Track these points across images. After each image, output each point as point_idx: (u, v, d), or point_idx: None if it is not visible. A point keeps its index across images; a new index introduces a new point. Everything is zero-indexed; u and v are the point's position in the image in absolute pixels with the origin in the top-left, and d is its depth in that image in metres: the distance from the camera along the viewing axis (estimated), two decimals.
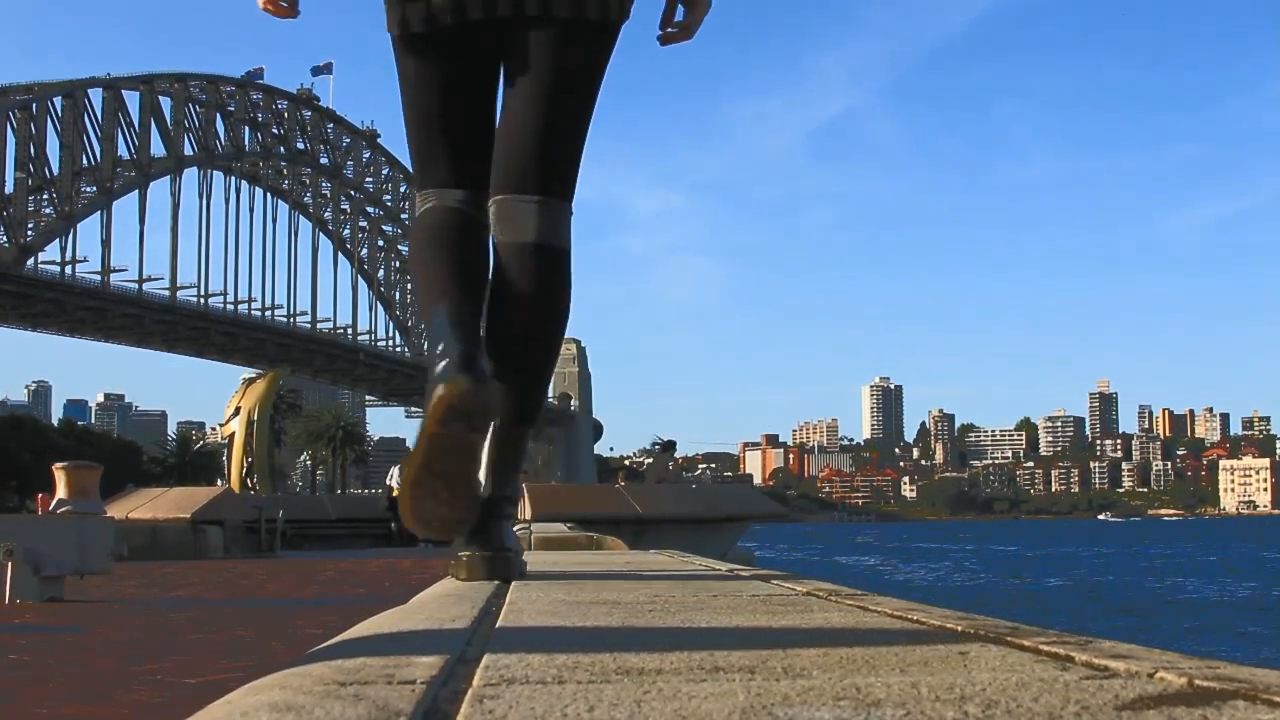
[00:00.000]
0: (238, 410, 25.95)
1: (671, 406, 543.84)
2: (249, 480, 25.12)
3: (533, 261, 2.31)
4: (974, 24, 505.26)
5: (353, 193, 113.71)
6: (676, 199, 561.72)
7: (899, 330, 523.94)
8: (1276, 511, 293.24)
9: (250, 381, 27.94)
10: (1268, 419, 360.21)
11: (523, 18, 2.25)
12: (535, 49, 2.29)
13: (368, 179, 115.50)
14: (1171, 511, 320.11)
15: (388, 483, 21.98)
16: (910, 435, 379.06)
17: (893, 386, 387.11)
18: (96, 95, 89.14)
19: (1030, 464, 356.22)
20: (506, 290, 2.34)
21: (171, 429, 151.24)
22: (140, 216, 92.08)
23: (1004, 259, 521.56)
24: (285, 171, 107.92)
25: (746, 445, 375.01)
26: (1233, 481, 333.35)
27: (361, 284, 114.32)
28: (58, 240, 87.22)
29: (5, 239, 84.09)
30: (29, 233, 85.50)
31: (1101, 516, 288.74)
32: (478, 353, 2.11)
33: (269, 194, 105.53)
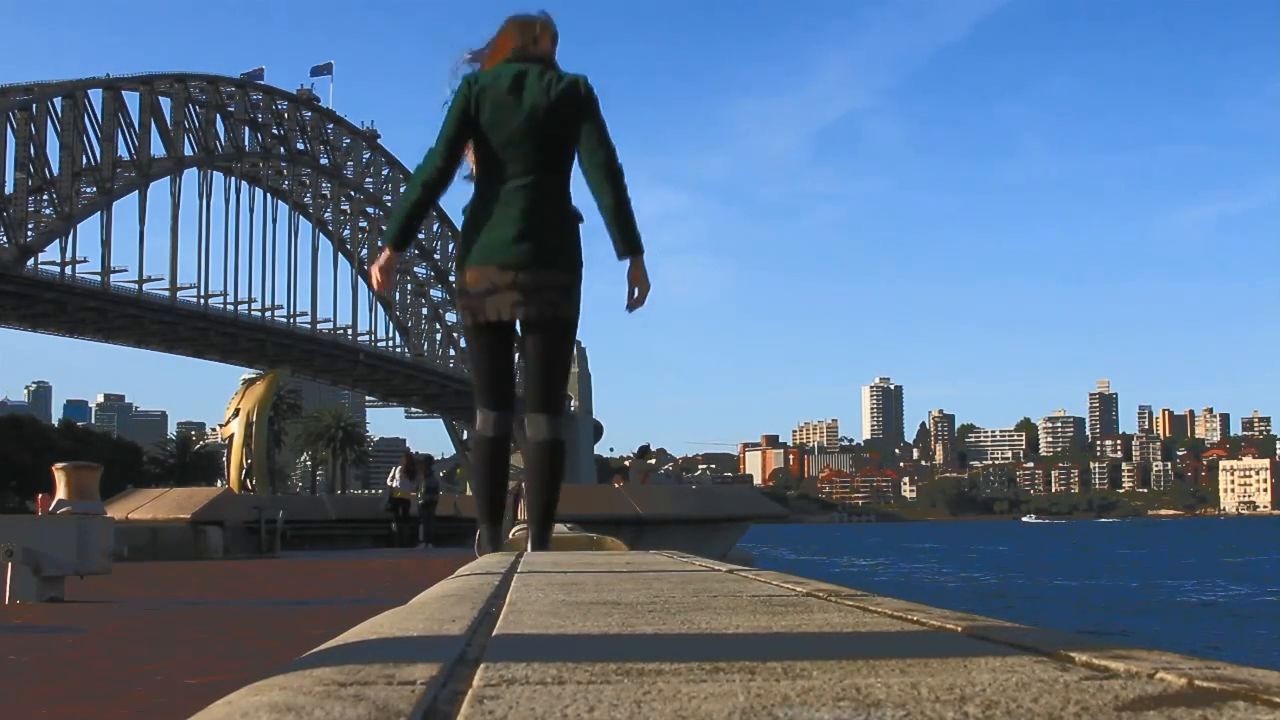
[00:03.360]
0: (237, 412, 25.96)
1: (672, 407, 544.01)
2: (248, 481, 25.12)
3: (546, 450, 4.42)
4: (976, 25, 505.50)
5: (353, 193, 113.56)
6: (678, 199, 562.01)
7: (899, 330, 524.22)
8: (1276, 512, 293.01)
9: (250, 383, 27.96)
10: (1268, 419, 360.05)
11: (538, 320, 4.23)
12: (541, 335, 4.28)
13: (368, 179, 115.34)
14: (1171, 512, 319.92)
15: (389, 483, 21.95)
16: (910, 435, 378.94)
17: (893, 386, 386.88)
18: (96, 95, 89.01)
19: (1030, 464, 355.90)
20: (535, 465, 4.46)
21: (171, 429, 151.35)
22: (140, 217, 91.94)
23: (1004, 259, 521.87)
24: (285, 172, 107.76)
25: (746, 446, 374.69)
26: (1233, 482, 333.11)
27: (361, 284, 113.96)
28: (58, 241, 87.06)
29: (5, 239, 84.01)
30: (29, 233, 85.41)
31: (1026, 519, 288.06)
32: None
33: (269, 194, 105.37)
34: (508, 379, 4.41)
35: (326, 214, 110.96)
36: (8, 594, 6.18)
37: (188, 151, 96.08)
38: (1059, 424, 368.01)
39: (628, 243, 4.23)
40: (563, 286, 4.21)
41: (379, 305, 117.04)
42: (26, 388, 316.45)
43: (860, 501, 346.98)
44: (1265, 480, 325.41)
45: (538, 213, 4.19)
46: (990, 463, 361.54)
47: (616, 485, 27.80)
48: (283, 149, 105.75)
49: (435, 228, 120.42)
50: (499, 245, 4.16)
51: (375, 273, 4.42)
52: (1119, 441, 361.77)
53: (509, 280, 4.16)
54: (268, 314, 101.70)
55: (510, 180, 4.21)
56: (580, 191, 4.33)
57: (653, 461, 34.05)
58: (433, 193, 4.31)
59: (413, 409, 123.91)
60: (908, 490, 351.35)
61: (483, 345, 4.32)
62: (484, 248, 4.18)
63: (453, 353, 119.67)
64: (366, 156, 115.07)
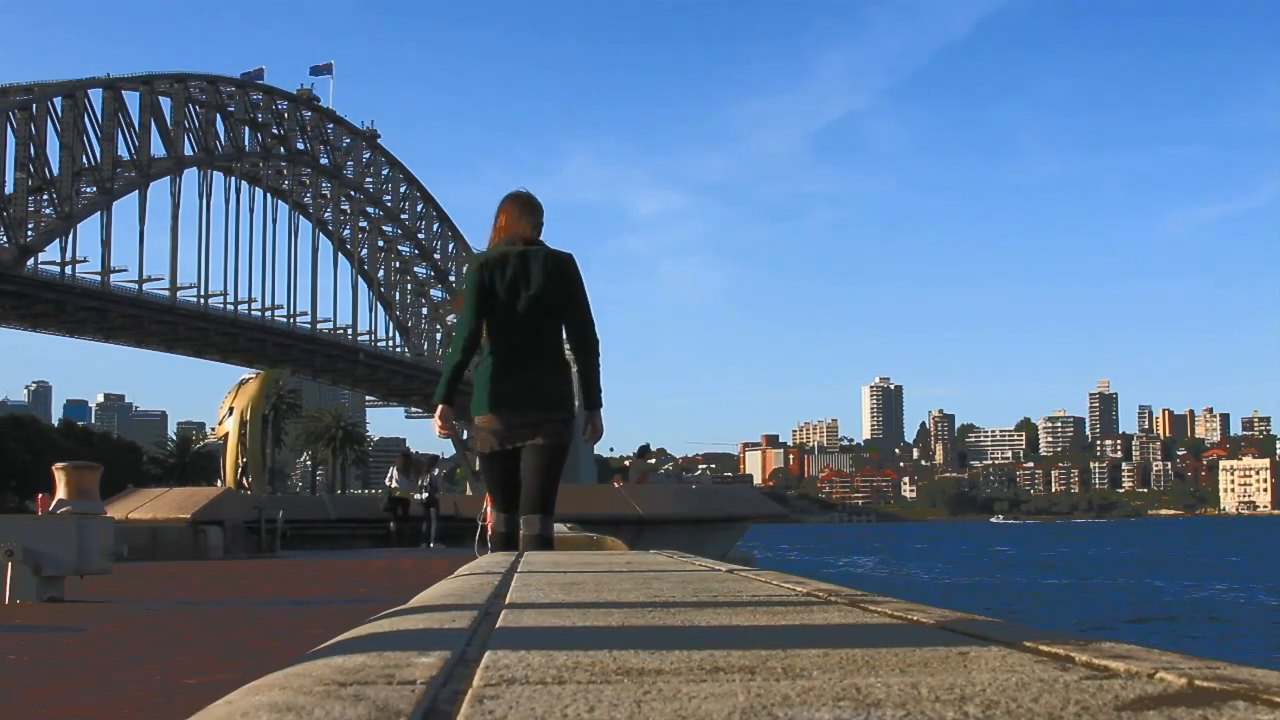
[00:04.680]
0: (231, 410, 25.95)
1: (672, 407, 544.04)
2: (243, 480, 25.11)
3: (538, 543, 5.39)
4: (977, 25, 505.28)
5: (353, 193, 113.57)
6: (678, 199, 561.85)
7: (899, 330, 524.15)
8: (1276, 512, 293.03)
9: (245, 382, 27.94)
10: (1268, 419, 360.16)
11: (544, 443, 5.42)
12: (544, 454, 5.41)
13: (368, 179, 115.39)
14: (1171, 512, 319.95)
15: (387, 483, 21.95)
16: (910, 435, 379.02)
17: (893, 386, 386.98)
18: (96, 95, 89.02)
19: (1030, 464, 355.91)
20: (528, 551, 5.32)
21: (171, 429, 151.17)
22: (140, 217, 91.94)
23: (1004, 259, 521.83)
24: (285, 172, 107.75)
25: (746, 445, 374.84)
26: (1233, 482, 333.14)
27: (361, 284, 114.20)
28: (58, 240, 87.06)
29: (5, 239, 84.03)
30: (29, 233, 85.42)
31: (994, 519, 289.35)
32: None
33: (269, 194, 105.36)
34: (515, 491, 5.54)
35: (326, 214, 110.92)
36: (8, 594, 6.19)
37: (188, 151, 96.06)
38: (1059, 424, 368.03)
39: (592, 402, 5.62)
40: (563, 419, 5.46)
41: (379, 305, 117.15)
42: (26, 388, 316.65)
43: (860, 501, 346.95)
44: (1265, 480, 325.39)
45: (541, 368, 5.41)
46: (990, 463, 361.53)
47: (616, 485, 27.80)
48: (283, 149, 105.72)
49: (436, 228, 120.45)
50: (513, 395, 5.38)
51: (435, 423, 5.51)
52: (1119, 441, 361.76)
53: (522, 420, 5.39)
54: (268, 314, 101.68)
55: (517, 343, 5.40)
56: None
57: (653, 461, 34.01)
58: (469, 354, 5.42)
59: (413, 409, 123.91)
60: (908, 490, 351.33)
61: (497, 469, 5.57)
62: (501, 396, 5.39)
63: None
64: (366, 156, 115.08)
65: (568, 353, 5.49)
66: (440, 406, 5.54)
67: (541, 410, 5.37)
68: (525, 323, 5.34)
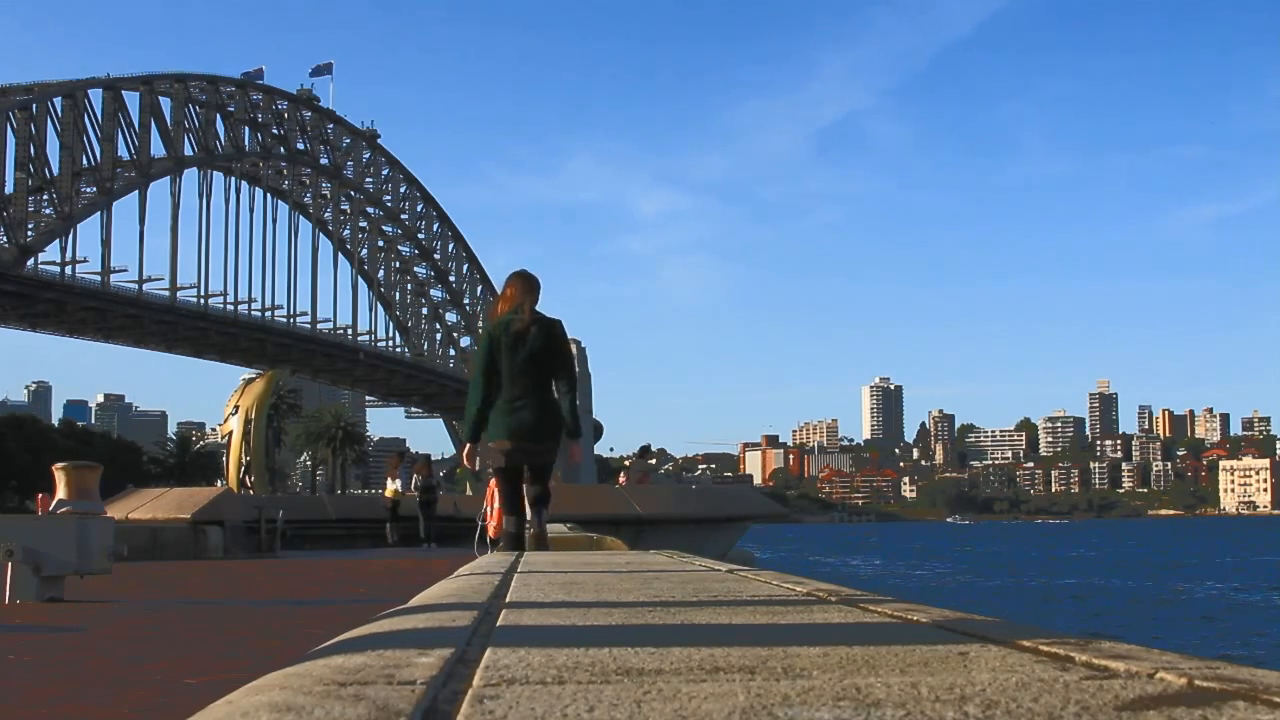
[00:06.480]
0: (236, 409, 25.95)
1: (672, 407, 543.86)
2: (246, 479, 25.12)
3: (536, 537, 7.39)
4: (979, 25, 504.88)
5: (353, 193, 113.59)
6: (679, 199, 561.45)
7: (899, 330, 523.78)
8: (1276, 512, 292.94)
9: (249, 381, 27.95)
10: (1268, 419, 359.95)
11: (539, 465, 7.56)
12: (539, 471, 7.50)
13: (368, 179, 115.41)
14: (1171, 512, 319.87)
15: (387, 483, 21.94)
16: (910, 435, 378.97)
17: (893, 386, 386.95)
18: (96, 95, 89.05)
19: (1030, 464, 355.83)
20: (531, 546, 7.41)
21: (171, 429, 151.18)
22: (140, 217, 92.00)
23: (1005, 259, 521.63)
24: (285, 172, 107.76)
25: (746, 445, 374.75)
26: (1233, 482, 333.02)
27: (361, 284, 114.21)
28: (58, 240, 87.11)
29: (5, 239, 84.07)
30: (29, 233, 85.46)
31: (950, 519, 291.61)
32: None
33: (269, 194, 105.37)
34: (521, 500, 7.38)
35: (326, 214, 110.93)
36: (8, 594, 6.19)
37: (188, 151, 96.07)
38: (1059, 424, 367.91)
39: (573, 434, 7.40)
40: (553, 449, 7.35)
41: (379, 305, 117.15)
42: (26, 388, 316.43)
43: (860, 501, 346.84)
44: (1265, 480, 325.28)
45: (537, 410, 7.18)
46: (990, 463, 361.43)
47: (620, 482, 27.83)
48: (283, 149, 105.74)
49: (436, 228, 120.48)
50: (517, 429, 7.16)
51: (464, 457, 7.72)
52: (1119, 441, 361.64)
53: (524, 446, 7.23)
54: (268, 314, 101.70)
55: (519, 390, 7.15)
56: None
57: (653, 462, 34.02)
58: (488, 403, 7.19)
59: (413, 409, 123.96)
60: (908, 490, 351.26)
61: (507, 481, 7.44)
62: (508, 428, 7.17)
63: (453, 353, 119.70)
64: (366, 156, 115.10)
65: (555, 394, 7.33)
66: (468, 445, 7.60)
67: (537, 441, 7.21)
68: (525, 374, 7.10)
